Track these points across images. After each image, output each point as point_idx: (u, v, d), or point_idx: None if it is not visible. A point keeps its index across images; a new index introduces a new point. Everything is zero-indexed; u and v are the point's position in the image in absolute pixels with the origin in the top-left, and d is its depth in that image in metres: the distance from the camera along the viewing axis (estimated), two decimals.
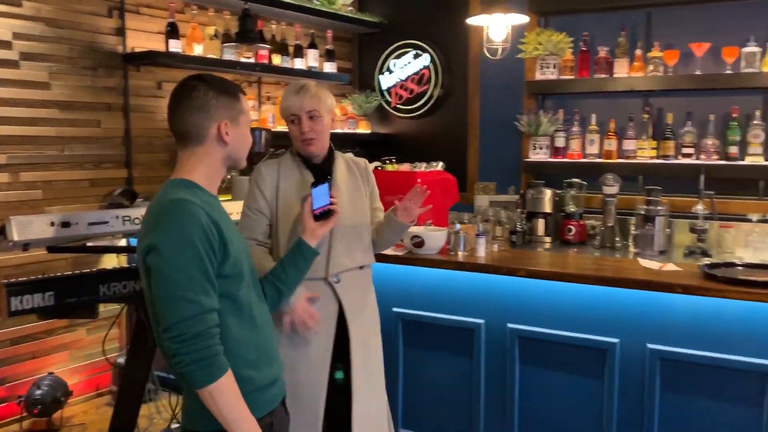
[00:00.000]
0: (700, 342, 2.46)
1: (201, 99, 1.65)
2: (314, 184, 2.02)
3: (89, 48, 3.65)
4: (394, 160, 3.47)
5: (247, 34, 3.55)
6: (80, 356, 3.72)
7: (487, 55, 3.62)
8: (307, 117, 2.20)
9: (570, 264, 2.92)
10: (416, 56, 4.95)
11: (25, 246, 2.24)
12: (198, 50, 3.96)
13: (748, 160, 3.73)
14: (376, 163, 3.44)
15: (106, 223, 2.39)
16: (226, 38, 4.09)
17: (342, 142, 4.88)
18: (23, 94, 3.40)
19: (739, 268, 2.60)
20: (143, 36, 3.88)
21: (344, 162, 2.38)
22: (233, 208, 3.15)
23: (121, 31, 3.78)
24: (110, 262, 3.77)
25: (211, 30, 4.06)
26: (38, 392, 3.29)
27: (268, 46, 4.04)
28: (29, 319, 3.42)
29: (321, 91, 2.24)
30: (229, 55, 4.08)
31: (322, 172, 2.27)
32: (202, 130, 1.66)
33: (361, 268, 2.33)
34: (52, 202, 3.54)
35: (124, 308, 3.25)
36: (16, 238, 2.18)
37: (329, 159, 2.33)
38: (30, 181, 3.45)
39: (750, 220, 3.39)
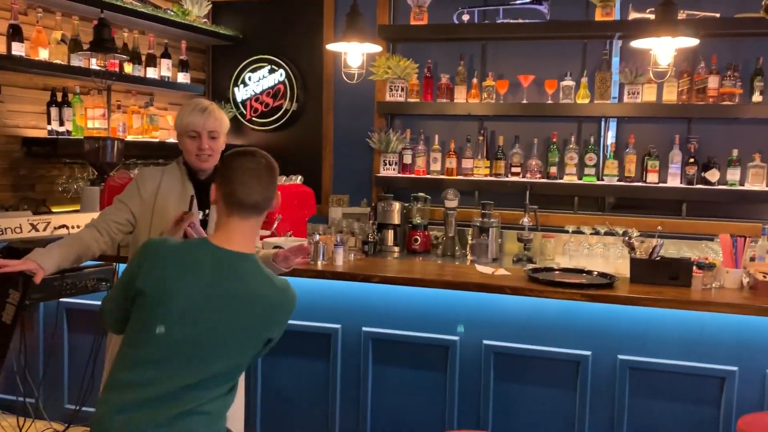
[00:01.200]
0: (526, 336, 2.85)
1: (276, 176, 1.86)
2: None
3: None
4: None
5: (102, 43, 3.48)
6: None
7: (345, 79, 3.87)
8: (207, 136, 2.35)
9: (418, 270, 3.22)
10: (271, 71, 5.08)
11: None
12: (43, 55, 3.80)
13: (566, 179, 4.30)
14: None
15: None
16: (75, 44, 3.96)
17: None
18: None
19: (557, 272, 3.04)
20: None
21: None
22: (80, 221, 3.11)
23: None
24: None
25: (57, 35, 3.90)
26: None
27: (125, 57, 3.96)
28: None
29: (222, 115, 2.43)
30: (77, 62, 3.96)
31: (205, 188, 2.34)
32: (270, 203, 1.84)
33: None
34: None
35: None
36: None
37: (213, 176, 2.40)
38: None
39: (567, 231, 3.93)
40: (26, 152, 3.92)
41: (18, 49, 3.66)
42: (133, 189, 2.41)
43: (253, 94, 5.15)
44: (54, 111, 3.96)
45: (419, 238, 4.08)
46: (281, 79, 5.05)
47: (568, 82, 4.27)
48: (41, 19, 3.85)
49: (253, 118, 5.17)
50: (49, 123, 3.97)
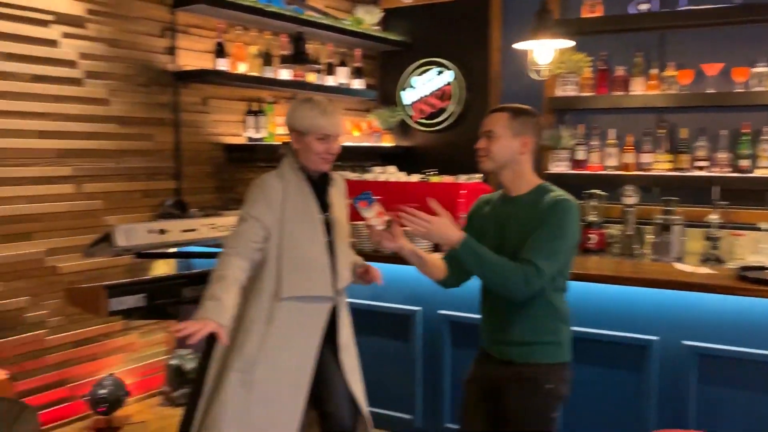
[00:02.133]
0: (733, 337, 2.72)
1: None
2: (357, 198, 2.15)
3: (144, 66, 3.87)
4: (436, 172, 3.71)
5: (300, 55, 3.79)
6: (134, 358, 3.91)
7: (533, 76, 3.92)
8: (334, 139, 2.30)
9: (609, 268, 3.17)
10: (439, 73, 5.21)
11: (129, 251, 2.45)
12: (242, 68, 4.19)
13: (758, 173, 4.02)
14: (419, 175, 3.69)
15: (195, 230, 2.60)
16: (267, 57, 4.33)
17: (366, 155, 5.13)
18: (86, 110, 3.61)
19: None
20: (193, 55, 4.10)
21: (334, 180, 2.49)
22: None
23: (172, 51, 4.00)
24: (161, 269, 3.97)
25: (253, 49, 4.29)
26: (102, 391, 3.47)
27: (319, 66, 4.27)
28: (89, 322, 3.64)
29: (341, 116, 2.40)
30: (269, 73, 4.32)
31: (320, 189, 2.38)
32: None
33: None
34: (111, 212, 3.73)
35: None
36: (121, 244, 2.39)
37: (325, 176, 2.42)
38: (91, 192, 3.65)
39: (759, 229, 3.67)
40: (227, 158, 4.35)
41: (222, 65, 4.08)
42: (259, 201, 2.26)
43: (420, 96, 5.31)
44: (250, 119, 4.36)
45: (594, 237, 4.00)
46: (449, 80, 5.16)
47: (761, 69, 3.99)
48: (240, 36, 4.25)
49: (420, 120, 5.33)
50: (246, 130, 4.38)
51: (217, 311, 2.06)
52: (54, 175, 3.48)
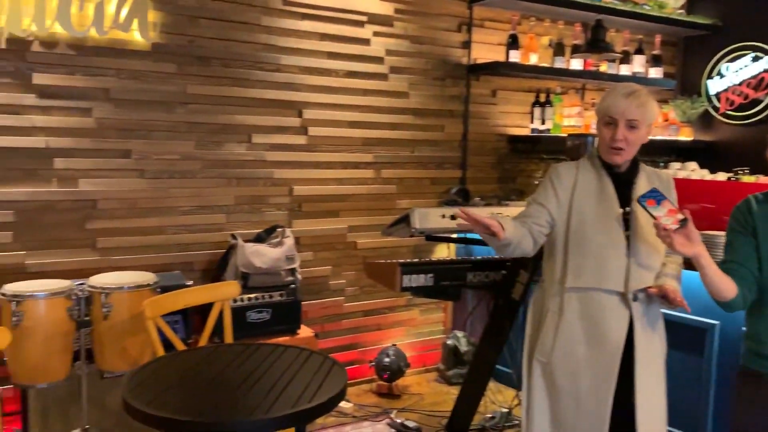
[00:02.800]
0: None
1: None
2: (643, 196, 1.95)
3: (440, 60, 4.08)
4: (747, 171, 3.29)
5: (597, 43, 3.66)
6: (413, 333, 4.20)
7: None
8: (625, 124, 2.07)
9: None
10: (755, 59, 4.58)
11: (422, 233, 2.63)
12: (533, 59, 4.18)
13: None
14: (728, 174, 3.30)
15: None
16: (558, 47, 4.25)
17: (661, 149, 4.74)
18: (389, 103, 3.94)
19: None
20: (485, 48, 4.22)
21: (646, 174, 2.23)
22: None
23: (467, 44, 4.16)
24: (442, 252, 4.19)
25: (545, 40, 4.25)
26: (386, 360, 3.80)
27: (617, 55, 4.09)
28: (378, 294, 3.98)
29: (649, 102, 2.09)
30: (560, 63, 4.24)
31: (623, 182, 2.17)
32: None
33: None
34: (403, 196, 4.04)
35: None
36: (417, 226, 2.57)
37: (632, 169, 2.20)
38: (388, 178, 3.99)
39: None
40: (511, 149, 4.40)
41: (514, 56, 4.11)
42: (547, 188, 2.19)
43: (730, 85, 4.73)
44: (537, 111, 4.33)
45: None
46: (766, 67, 4.51)
47: None
48: (533, 27, 4.24)
49: (727, 112, 4.75)
50: (531, 122, 4.37)
51: (504, 220, 2.04)
52: (359, 161, 3.88)
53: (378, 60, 3.88)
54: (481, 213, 2.04)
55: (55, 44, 3.02)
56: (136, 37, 3.17)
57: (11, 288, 2.46)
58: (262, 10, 3.49)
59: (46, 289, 2.46)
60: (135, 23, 3.14)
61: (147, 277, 2.71)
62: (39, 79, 3.00)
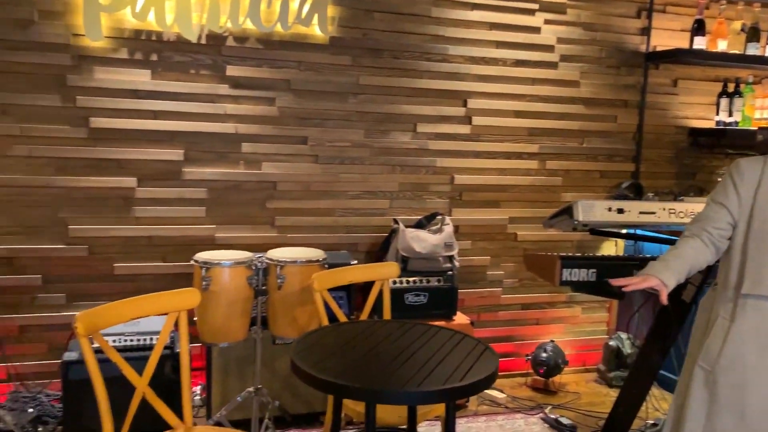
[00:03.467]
0: None
1: None
2: None
3: (615, 48, 3.90)
4: None
5: None
6: (574, 331, 4.08)
7: None
8: None
9: None
10: None
11: (585, 226, 2.55)
12: (722, 46, 3.84)
13: None
14: None
15: (654, 213, 2.55)
16: (753, 32, 3.87)
17: None
18: (557, 92, 3.85)
19: None
20: (666, 34, 3.95)
21: None
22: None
23: (645, 31, 3.93)
24: (608, 249, 4.02)
25: (737, 24, 3.89)
26: (543, 355, 3.73)
27: None
28: (537, 288, 3.92)
29: None
30: (753, 50, 3.86)
31: None
32: None
33: None
34: (569, 189, 3.93)
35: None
36: (581, 218, 2.51)
37: None
38: (553, 169, 3.90)
39: None
40: (691, 142, 4.09)
41: (699, 43, 3.81)
42: (728, 186, 2.06)
43: None
44: (724, 101, 3.99)
45: None
46: None
47: None
48: (723, 11, 3.90)
49: None
50: (717, 114, 4.02)
51: (661, 268, 2.01)
52: (522, 152, 3.84)
53: (548, 48, 3.80)
54: (637, 279, 2.04)
55: (246, 39, 3.33)
56: (316, 31, 3.40)
57: (202, 256, 2.77)
58: (432, 1, 3.57)
59: (231, 258, 2.75)
60: (315, 18, 3.37)
61: (317, 253, 2.92)
62: (232, 71, 3.33)
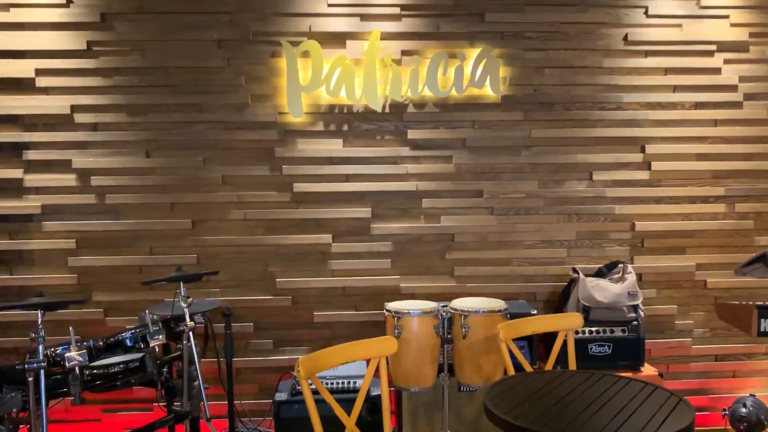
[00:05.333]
0: None
1: None
2: None
3: None
4: None
5: None
6: None
7: None
8: None
9: None
10: None
11: None
12: None
13: None
14: None
15: None
16: None
17: None
18: (743, 132, 3.69)
19: None
20: None
21: None
22: None
23: None
24: None
25: None
26: (743, 410, 3.49)
27: None
28: (732, 339, 3.69)
29: None
30: None
31: None
32: None
33: None
34: (762, 232, 3.70)
35: None
36: None
37: None
38: (743, 212, 3.71)
39: None
40: None
41: None
42: None
43: None
44: None
45: None
46: None
47: None
48: None
49: None
50: None
51: None
52: (708, 195, 3.70)
53: (730, 88, 3.67)
54: None
55: (424, 105, 3.62)
56: (488, 91, 3.61)
57: (393, 306, 3.02)
58: (603, 53, 3.63)
59: (419, 308, 2.96)
60: (488, 80, 3.58)
61: (499, 303, 3.04)
62: (412, 134, 3.63)
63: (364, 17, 3.56)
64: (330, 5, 3.54)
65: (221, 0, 3.51)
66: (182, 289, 2.67)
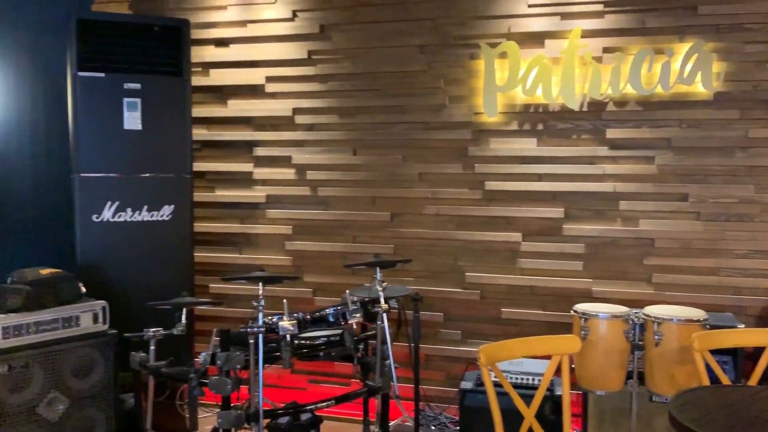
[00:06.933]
0: None
1: None
2: None
3: None
4: None
5: None
6: None
7: None
8: None
9: None
10: None
11: None
12: None
13: None
14: None
15: None
16: None
17: None
18: None
19: None
20: None
21: None
22: None
23: None
24: None
25: None
26: None
27: None
28: None
29: None
30: None
31: None
32: None
33: None
34: None
35: None
36: None
37: None
38: None
39: None
40: None
41: None
42: None
43: None
44: None
45: None
46: None
47: None
48: None
49: None
50: None
51: None
52: None
53: None
54: None
55: (626, 103, 3.50)
56: (699, 88, 3.38)
57: (581, 307, 2.99)
58: None
59: (608, 312, 2.90)
60: (698, 76, 3.36)
61: (697, 313, 2.86)
62: (611, 133, 3.53)
63: (564, 16, 3.54)
64: (530, 6, 3.58)
65: (424, 8, 3.73)
66: (378, 273, 2.92)
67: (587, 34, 3.51)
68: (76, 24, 3.43)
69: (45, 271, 3.08)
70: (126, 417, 3.31)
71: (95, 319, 3.12)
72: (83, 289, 3.16)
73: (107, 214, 3.51)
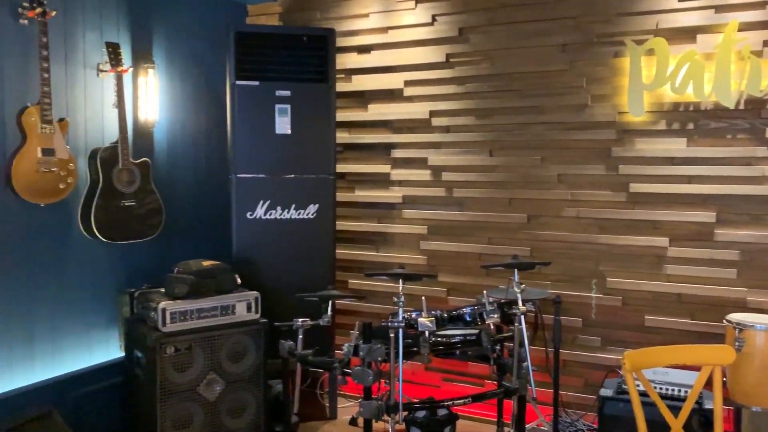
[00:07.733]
0: None
1: None
2: None
3: None
4: None
5: None
6: None
7: None
8: None
9: None
10: None
11: None
12: None
13: None
14: None
15: None
16: None
17: None
18: None
19: None
20: None
21: None
22: None
23: None
24: None
25: None
26: None
27: None
28: None
29: None
30: None
31: None
32: None
33: None
34: None
35: None
36: None
37: None
38: None
39: None
40: None
41: None
42: None
43: None
44: None
45: None
46: None
47: None
48: None
49: None
50: None
51: None
52: None
53: None
54: None
55: None
56: None
57: (735, 317, 2.81)
58: None
59: (766, 323, 2.71)
60: None
61: None
62: None
63: (719, 9, 3.34)
64: (681, 0, 3.41)
65: (566, 6, 3.67)
66: (516, 275, 2.92)
67: (745, 26, 3.28)
68: (234, 36, 3.73)
69: (207, 263, 3.38)
70: (273, 402, 3.55)
71: (248, 308, 3.38)
72: (239, 281, 3.44)
73: (260, 211, 3.79)
